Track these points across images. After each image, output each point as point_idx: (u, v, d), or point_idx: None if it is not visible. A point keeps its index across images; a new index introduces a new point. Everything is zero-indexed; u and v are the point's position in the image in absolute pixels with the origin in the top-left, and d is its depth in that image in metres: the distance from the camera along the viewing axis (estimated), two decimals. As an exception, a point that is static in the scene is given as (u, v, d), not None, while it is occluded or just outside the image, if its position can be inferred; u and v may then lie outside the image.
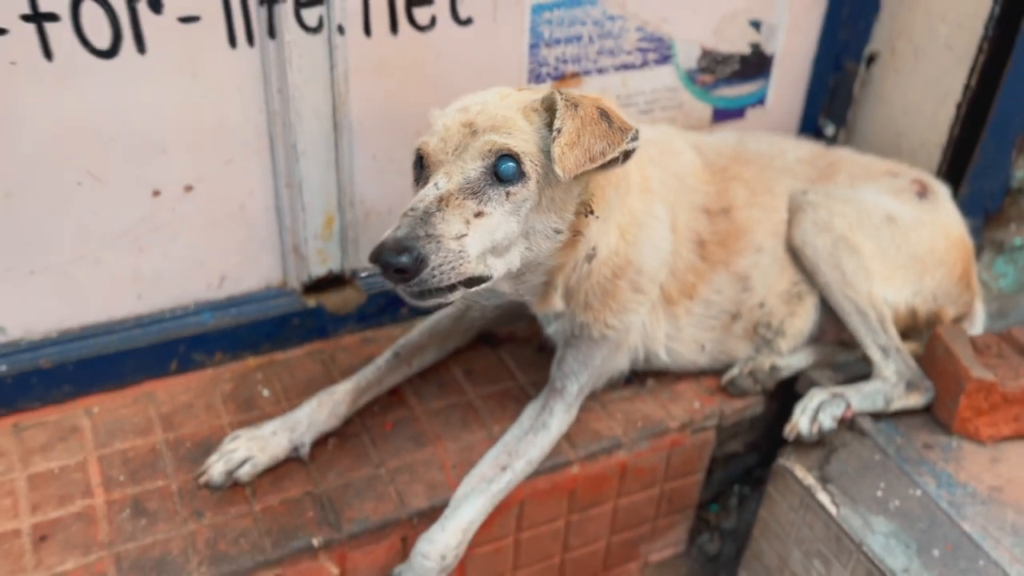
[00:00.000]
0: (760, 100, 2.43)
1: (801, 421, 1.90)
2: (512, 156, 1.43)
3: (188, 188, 1.81)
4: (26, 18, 1.52)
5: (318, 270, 2.02)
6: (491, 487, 1.72)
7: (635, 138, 1.49)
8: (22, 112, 1.59)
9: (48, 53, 1.56)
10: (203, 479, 1.70)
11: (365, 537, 1.69)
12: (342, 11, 1.75)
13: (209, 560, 1.59)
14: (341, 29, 1.76)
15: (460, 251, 1.38)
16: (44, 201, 1.69)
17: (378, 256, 1.35)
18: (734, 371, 2.04)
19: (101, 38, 1.59)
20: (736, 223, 1.98)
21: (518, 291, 1.65)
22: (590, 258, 1.67)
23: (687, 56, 2.23)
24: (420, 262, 1.34)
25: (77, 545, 1.59)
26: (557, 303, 1.70)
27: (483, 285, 1.46)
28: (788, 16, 2.31)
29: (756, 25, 2.28)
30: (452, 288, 1.41)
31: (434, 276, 1.36)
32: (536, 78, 2.06)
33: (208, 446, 1.79)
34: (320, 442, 1.83)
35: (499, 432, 1.88)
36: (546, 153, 1.46)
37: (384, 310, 2.13)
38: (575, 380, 1.83)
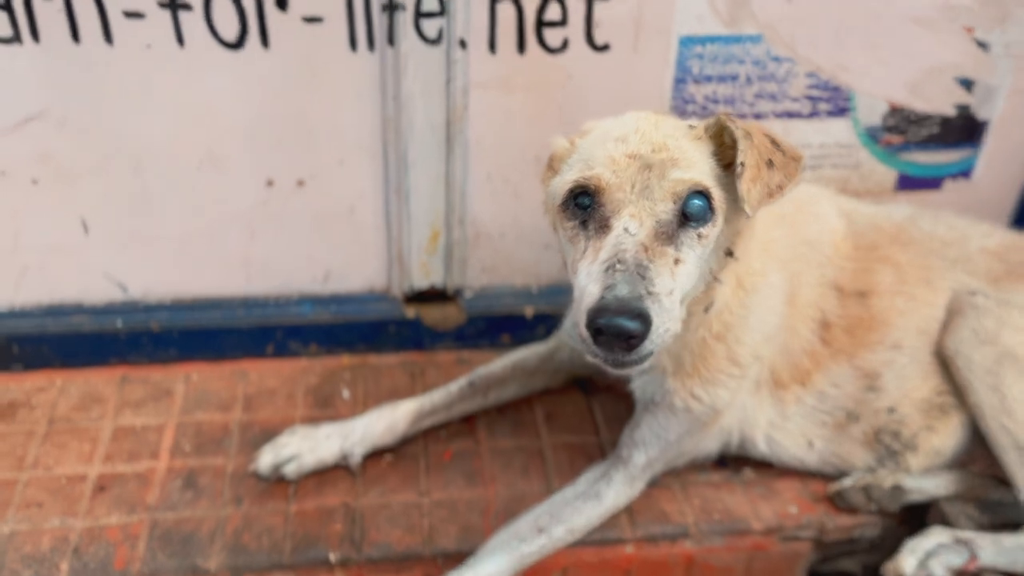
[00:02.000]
0: (964, 172, 2.06)
1: (906, 562, 1.58)
2: (703, 193, 1.28)
3: (300, 182, 1.85)
4: (162, 5, 1.62)
5: (420, 283, 2.00)
6: (521, 547, 1.59)
7: (805, 167, 1.35)
8: (154, 91, 1.70)
9: (180, 39, 1.66)
10: (252, 466, 1.73)
11: (384, 565, 1.63)
12: (465, 25, 1.69)
13: (229, 548, 1.61)
14: (463, 43, 1.71)
15: (672, 308, 1.23)
16: (167, 176, 1.80)
17: (604, 321, 1.17)
18: (846, 481, 1.74)
19: (229, 30, 1.66)
20: (872, 311, 1.69)
21: None
22: (708, 307, 1.49)
23: (869, 111, 1.94)
24: (649, 325, 1.19)
25: (126, 502, 1.68)
26: (665, 358, 1.54)
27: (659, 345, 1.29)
28: (1012, 78, 1.93)
29: (966, 84, 1.93)
30: (651, 353, 1.24)
31: (656, 340, 1.21)
32: (681, 114, 1.88)
33: (274, 435, 1.82)
34: (377, 455, 1.80)
35: (558, 488, 1.74)
36: (721, 185, 1.32)
37: (483, 333, 2.06)
38: (643, 452, 1.65)
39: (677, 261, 1.27)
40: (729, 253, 1.41)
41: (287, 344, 2.00)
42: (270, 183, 1.84)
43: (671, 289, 1.23)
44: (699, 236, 1.29)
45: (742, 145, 1.27)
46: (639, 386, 1.66)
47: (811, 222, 1.72)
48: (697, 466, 1.80)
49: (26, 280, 1.87)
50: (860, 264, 1.72)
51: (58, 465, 1.75)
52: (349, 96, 1.76)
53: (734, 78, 1.85)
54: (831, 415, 1.73)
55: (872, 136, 1.98)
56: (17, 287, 1.88)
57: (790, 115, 1.92)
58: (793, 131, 1.94)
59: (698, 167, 1.30)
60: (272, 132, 1.78)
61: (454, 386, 1.85)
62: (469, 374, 1.87)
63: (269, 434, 1.83)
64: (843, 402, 1.72)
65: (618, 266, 1.21)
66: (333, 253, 1.96)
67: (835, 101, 1.91)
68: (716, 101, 1.87)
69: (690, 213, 1.28)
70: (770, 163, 1.28)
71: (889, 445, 1.74)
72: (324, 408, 1.92)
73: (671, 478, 1.79)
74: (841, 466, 1.77)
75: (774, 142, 1.32)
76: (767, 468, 1.82)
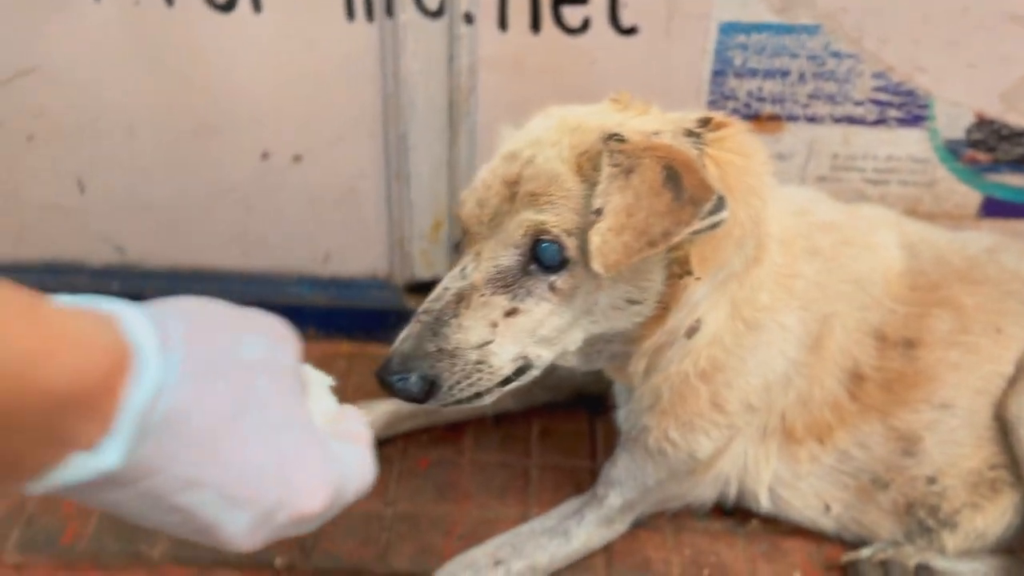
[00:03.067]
0: (1069, 200, 1.74)
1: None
2: (555, 239, 1.10)
3: (297, 158, 1.73)
4: (150, -39, 1.53)
5: (422, 273, 1.86)
6: (473, 580, 1.45)
7: (716, 209, 1.06)
8: (144, 52, 1.61)
9: (169, -1, 1.56)
10: (217, 454, 1.65)
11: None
12: (473, -2, 1.52)
13: (175, 539, 1.54)
14: (469, 17, 1.54)
15: (479, 362, 1.11)
16: (160, 141, 1.72)
17: (383, 377, 1.10)
18: (864, 553, 1.50)
19: (220, -9, 1.55)
20: (918, 364, 1.43)
21: (590, 364, 1.32)
22: (692, 332, 1.27)
23: (951, 122, 1.65)
24: (431, 384, 1.10)
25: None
26: (636, 377, 1.33)
27: (525, 377, 1.18)
28: None
29: (1077, 97, 1.61)
30: (479, 395, 1.15)
31: (452, 395, 1.12)
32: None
33: (251, 420, 1.73)
34: (350, 455, 1.69)
35: (535, 515, 1.58)
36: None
37: (489, 334, 1.90)
38: (620, 492, 1.47)
39: (513, 312, 1.10)
40: (687, 272, 1.16)
41: (283, 325, 1.91)
42: (265, 156, 1.73)
43: (483, 341, 1.09)
44: (552, 287, 1.10)
45: (604, 183, 1.04)
46: (623, 416, 1.47)
47: (861, 256, 1.45)
48: (696, 510, 1.60)
49: (26, 236, 1.85)
50: (914, 308, 1.45)
51: (33, 428, 1.73)
52: (347, 69, 1.62)
53: (784, 74, 1.60)
54: (855, 478, 1.48)
55: (952, 151, 1.68)
56: (18, 242, 1.86)
57: (851, 120, 1.65)
58: (855, 139, 1.67)
59: (563, 206, 1.08)
60: (267, 102, 1.66)
61: (437, 391, 1.71)
62: (456, 380, 1.72)
63: (246, 419, 1.74)
64: (871, 466, 1.47)
65: (422, 316, 1.10)
66: (333, 234, 1.84)
67: (908, 108, 1.63)
68: (762, 99, 1.63)
69: (542, 259, 1.09)
70: (652, 207, 1.02)
71: (923, 520, 1.48)
72: (309, 397, 1.82)
73: (664, 520, 1.60)
74: (862, 534, 1.53)
75: (672, 178, 1.04)
76: (776, 523, 1.59)
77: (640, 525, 1.57)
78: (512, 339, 1.11)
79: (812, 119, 1.65)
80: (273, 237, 1.84)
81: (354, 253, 1.87)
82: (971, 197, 1.74)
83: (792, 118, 1.65)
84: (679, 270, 1.16)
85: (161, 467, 0.60)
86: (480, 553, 1.47)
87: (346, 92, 1.65)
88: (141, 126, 1.70)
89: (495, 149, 1.22)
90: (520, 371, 1.16)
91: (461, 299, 1.12)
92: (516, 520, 1.58)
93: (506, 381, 1.15)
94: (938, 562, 1.47)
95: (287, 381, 0.72)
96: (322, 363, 1.90)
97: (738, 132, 1.19)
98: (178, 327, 0.63)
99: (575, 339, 1.17)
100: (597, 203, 1.04)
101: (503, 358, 1.12)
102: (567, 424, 1.80)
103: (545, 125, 1.20)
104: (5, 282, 0.55)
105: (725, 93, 1.63)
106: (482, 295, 1.11)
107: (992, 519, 1.45)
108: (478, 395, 1.13)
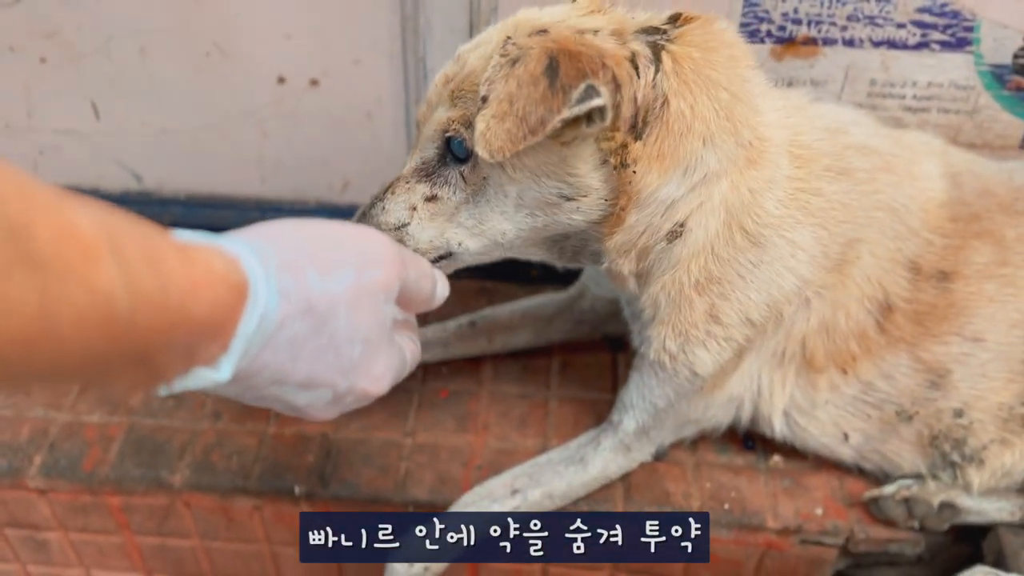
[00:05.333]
0: (1119, 130, 1.66)
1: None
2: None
3: (314, 82, 1.68)
4: None
5: (442, 202, 1.82)
6: (492, 508, 1.44)
7: (585, 97, 1.01)
8: (155, -30, 1.57)
9: (180, -88, 1.50)
10: (236, 383, 1.66)
11: (349, 504, 1.53)
12: (493, -90, 1.45)
13: (196, 466, 1.55)
14: (490, -68, 1.47)
15: (399, 241, 1.20)
16: (174, 64, 1.68)
17: None
18: (887, 489, 1.48)
19: (231, -96, 1.49)
20: (952, 297, 1.38)
21: (561, 260, 1.33)
22: (673, 236, 1.22)
23: (997, 46, 1.56)
24: None
25: (110, 401, 1.65)
26: (629, 282, 1.30)
27: (452, 262, 1.24)
28: None
29: None
30: None
31: None
32: (752, 35, 1.58)
33: (270, 349, 1.73)
34: (369, 385, 1.68)
35: (554, 447, 1.57)
36: None
37: (510, 262, 1.86)
38: (632, 416, 1.45)
39: (432, 198, 1.19)
40: (623, 165, 1.13)
41: (301, 254, 1.89)
42: (281, 79, 1.68)
43: (400, 223, 1.20)
44: (463, 177, 1.17)
45: (491, 73, 1.04)
46: (634, 333, 1.45)
47: (901, 185, 1.38)
48: (718, 445, 1.59)
49: (44, 161, 1.83)
50: (952, 239, 1.39)
51: (55, 354, 1.74)
52: (364, -12, 1.57)
53: (823, -7, 1.52)
54: (878, 409, 1.45)
55: (997, 77, 1.60)
56: (36, 167, 1.84)
57: (892, 44, 1.57)
58: (894, 65, 1.59)
59: (470, 100, 1.11)
60: (281, 24, 1.61)
61: (452, 324, 1.69)
62: (472, 314, 1.70)
63: (265, 348, 1.74)
64: (895, 397, 1.44)
65: (365, 204, 1.25)
66: (351, 161, 1.80)
67: (952, 30, 1.55)
68: (798, 21, 1.55)
69: (454, 152, 1.16)
70: (531, 95, 1.01)
71: (947, 454, 1.45)
72: (328, 327, 1.81)
73: (685, 454, 1.59)
74: (883, 465, 1.51)
75: (551, 67, 1.01)
76: (800, 458, 1.57)
77: (661, 459, 1.55)
78: (430, 222, 1.20)
79: (849, 43, 1.57)
80: (290, 164, 1.81)
81: (373, 182, 1.80)
82: (1015, 127, 1.66)
83: (828, 42, 1.57)
84: (617, 162, 1.13)
85: (257, 371, 0.77)
86: (498, 483, 1.47)
87: (363, 12, 1.59)
88: (153, 48, 1.66)
89: None
90: (444, 256, 1.22)
91: (390, 187, 1.22)
92: (535, 451, 1.57)
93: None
94: (963, 500, 1.45)
95: (367, 301, 0.85)
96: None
97: (702, 25, 1.15)
98: (274, 259, 0.77)
99: (502, 230, 1.19)
100: (482, 91, 1.05)
101: (420, 239, 1.20)
102: (588, 357, 1.77)
103: (497, 27, 1.21)
104: (148, 223, 0.69)
105: (759, 14, 1.55)
106: (407, 183, 1.21)
107: (1021, 456, 1.42)
108: None
